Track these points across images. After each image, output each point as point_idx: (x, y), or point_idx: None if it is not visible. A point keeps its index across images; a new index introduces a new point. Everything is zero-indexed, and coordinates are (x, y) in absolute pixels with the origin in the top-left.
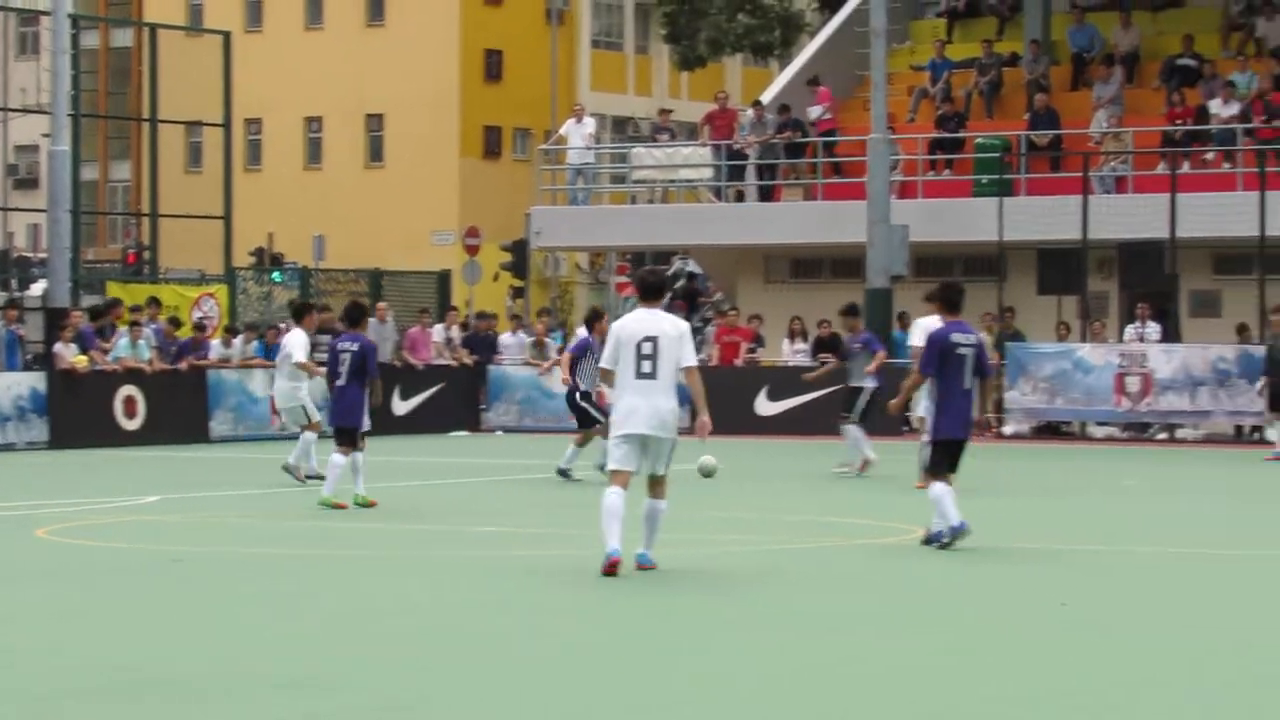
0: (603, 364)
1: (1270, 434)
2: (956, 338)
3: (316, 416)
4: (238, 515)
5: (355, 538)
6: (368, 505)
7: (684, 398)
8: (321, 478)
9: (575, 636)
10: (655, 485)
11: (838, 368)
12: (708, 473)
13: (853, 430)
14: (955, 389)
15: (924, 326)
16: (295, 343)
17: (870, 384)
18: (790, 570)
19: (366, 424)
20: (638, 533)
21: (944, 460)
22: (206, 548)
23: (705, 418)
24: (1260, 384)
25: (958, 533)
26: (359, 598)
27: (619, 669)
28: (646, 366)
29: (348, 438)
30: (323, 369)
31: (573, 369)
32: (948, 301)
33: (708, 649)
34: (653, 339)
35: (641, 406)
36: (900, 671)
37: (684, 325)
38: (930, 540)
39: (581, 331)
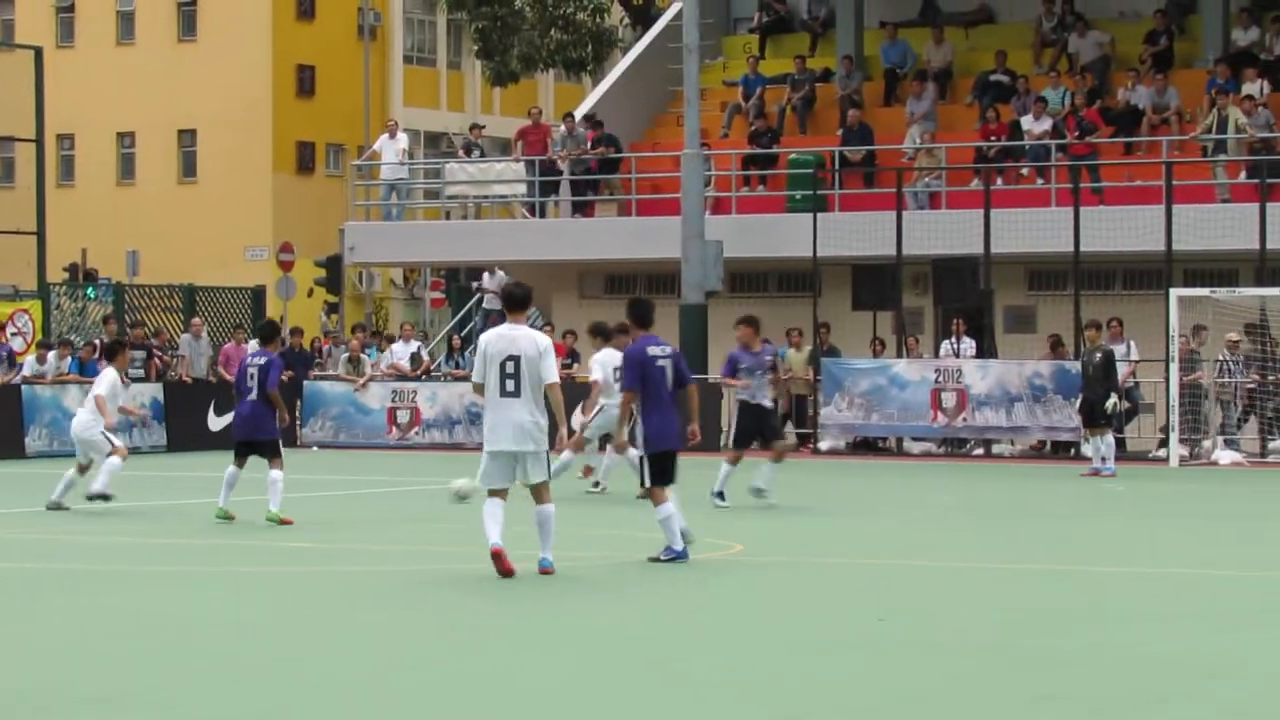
0: (474, 379)
1: (1086, 449)
2: (653, 351)
3: (119, 443)
4: (64, 532)
5: (169, 553)
6: (281, 523)
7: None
8: (106, 498)
9: (387, 650)
10: (537, 492)
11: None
12: (462, 496)
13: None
14: (659, 401)
15: (601, 361)
16: (103, 380)
17: (769, 403)
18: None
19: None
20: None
21: (661, 472)
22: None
23: (564, 430)
24: (1078, 400)
25: (680, 558)
26: (163, 613)
27: (432, 681)
28: (510, 385)
29: (247, 450)
30: (120, 414)
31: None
32: (638, 317)
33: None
34: (515, 358)
35: (503, 423)
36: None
37: (545, 341)
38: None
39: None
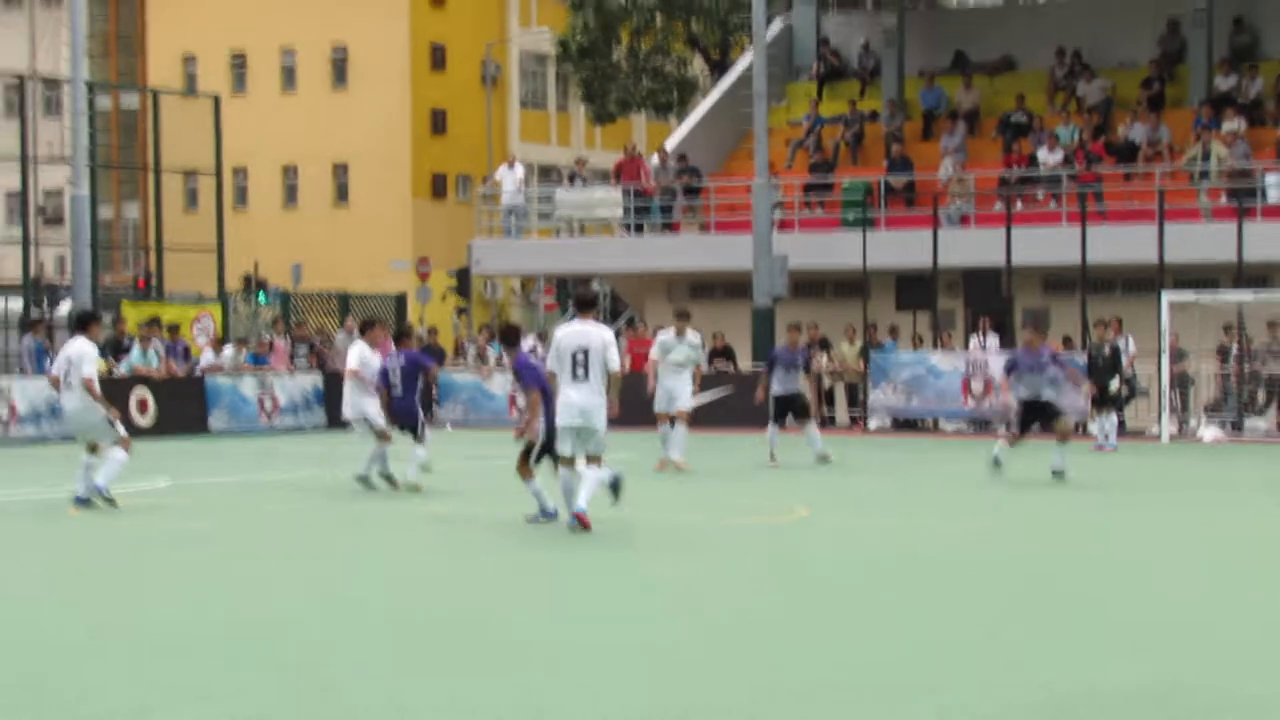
0: (548, 367)
1: (1093, 428)
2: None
3: (123, 431)
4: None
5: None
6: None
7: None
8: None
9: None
10: (594, 460)
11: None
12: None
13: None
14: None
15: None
16: (87, 358)
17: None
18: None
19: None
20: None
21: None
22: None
23: (613, 403)
24: (1087, 385)
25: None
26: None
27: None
28: (580, 371)
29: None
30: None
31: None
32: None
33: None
34: (585, 350)
35: (575, 402)
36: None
37: (609, 335)
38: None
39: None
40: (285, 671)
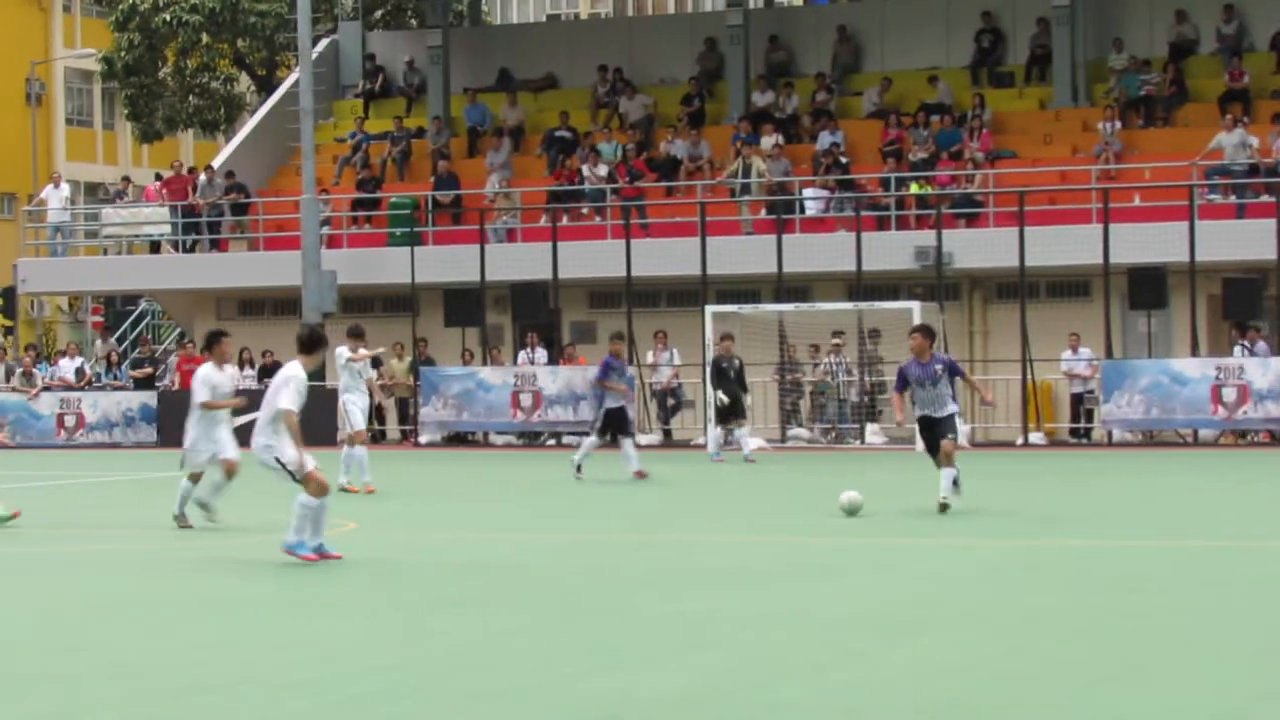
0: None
1: (710, 443)
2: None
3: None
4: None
5: None
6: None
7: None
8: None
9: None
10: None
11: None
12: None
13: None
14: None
15: (201, 378)
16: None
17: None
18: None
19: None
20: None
21: None
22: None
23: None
24: (719, 395)
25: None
26: None
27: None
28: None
29: None
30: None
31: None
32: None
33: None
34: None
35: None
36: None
37: (285, 374)
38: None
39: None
40: None
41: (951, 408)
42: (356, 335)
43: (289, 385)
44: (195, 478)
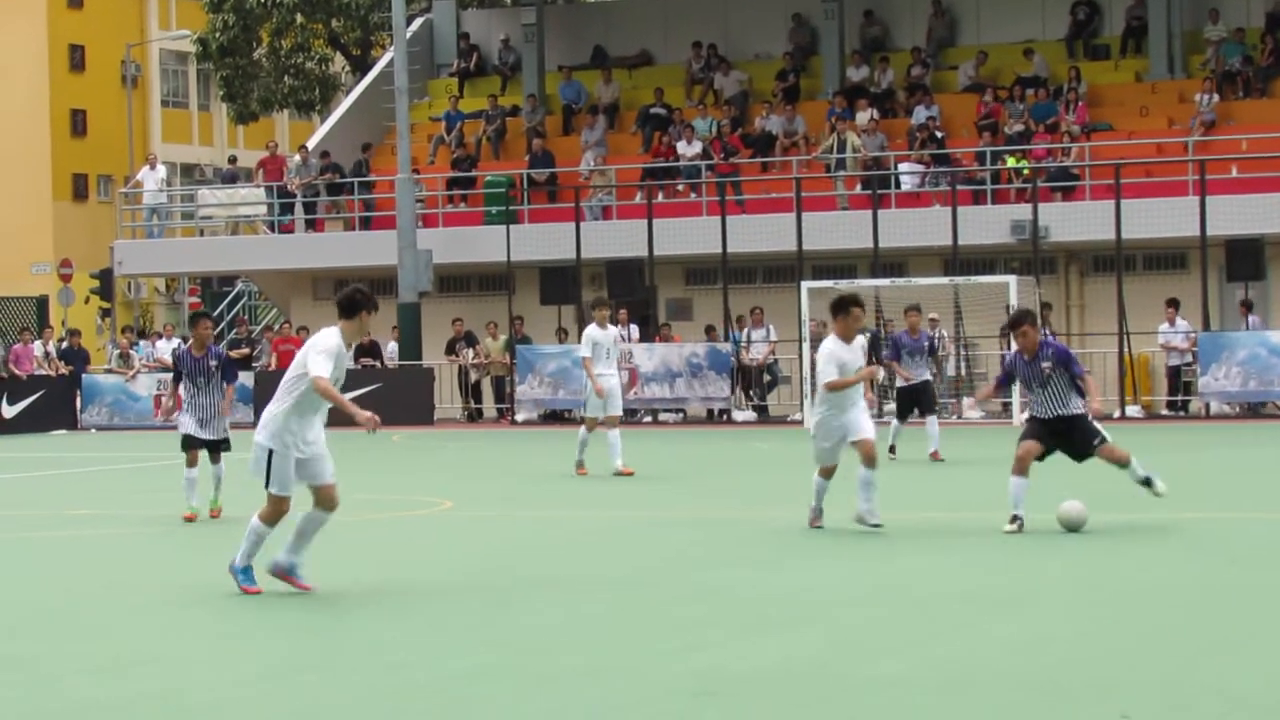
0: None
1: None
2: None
3: None
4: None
5: None
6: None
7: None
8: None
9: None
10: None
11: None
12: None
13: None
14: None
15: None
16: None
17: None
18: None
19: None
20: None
21: None
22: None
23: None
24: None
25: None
26: None
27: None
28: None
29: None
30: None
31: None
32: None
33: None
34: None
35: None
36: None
37: (311, 340)
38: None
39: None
40: None
41: (1079, 404)
42: (601, 306)
43: (314, 351)
44: None
